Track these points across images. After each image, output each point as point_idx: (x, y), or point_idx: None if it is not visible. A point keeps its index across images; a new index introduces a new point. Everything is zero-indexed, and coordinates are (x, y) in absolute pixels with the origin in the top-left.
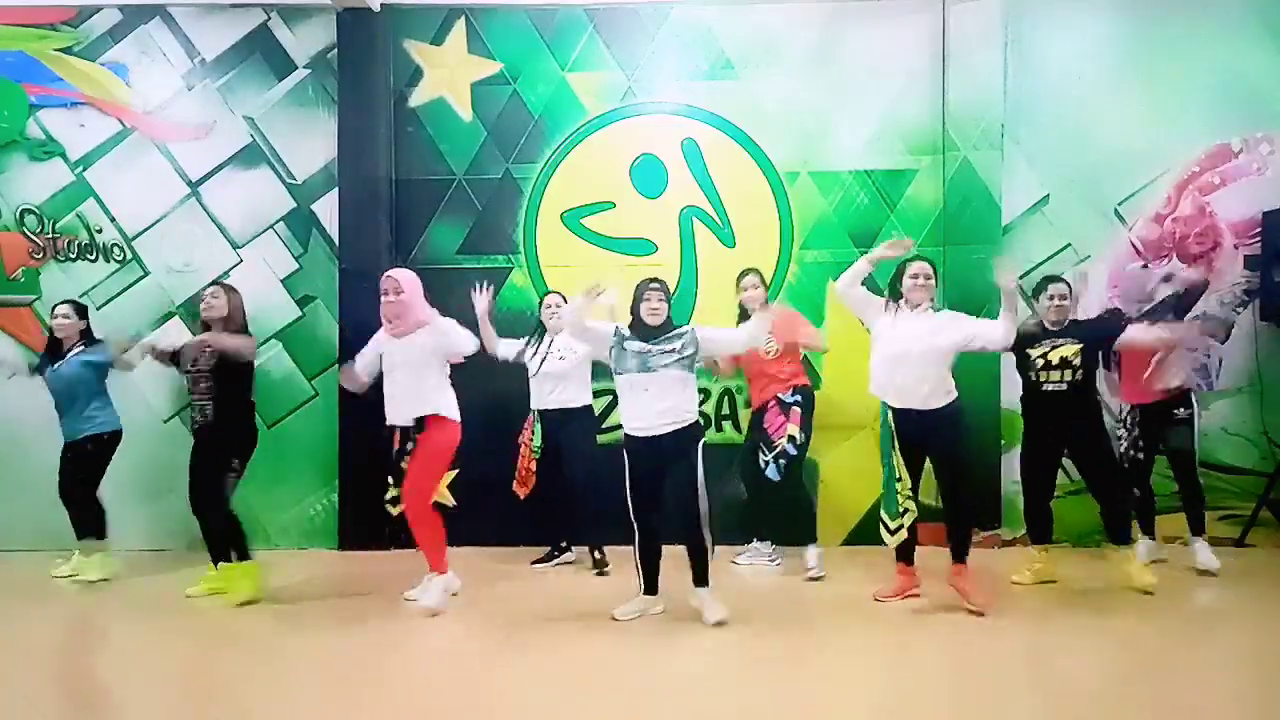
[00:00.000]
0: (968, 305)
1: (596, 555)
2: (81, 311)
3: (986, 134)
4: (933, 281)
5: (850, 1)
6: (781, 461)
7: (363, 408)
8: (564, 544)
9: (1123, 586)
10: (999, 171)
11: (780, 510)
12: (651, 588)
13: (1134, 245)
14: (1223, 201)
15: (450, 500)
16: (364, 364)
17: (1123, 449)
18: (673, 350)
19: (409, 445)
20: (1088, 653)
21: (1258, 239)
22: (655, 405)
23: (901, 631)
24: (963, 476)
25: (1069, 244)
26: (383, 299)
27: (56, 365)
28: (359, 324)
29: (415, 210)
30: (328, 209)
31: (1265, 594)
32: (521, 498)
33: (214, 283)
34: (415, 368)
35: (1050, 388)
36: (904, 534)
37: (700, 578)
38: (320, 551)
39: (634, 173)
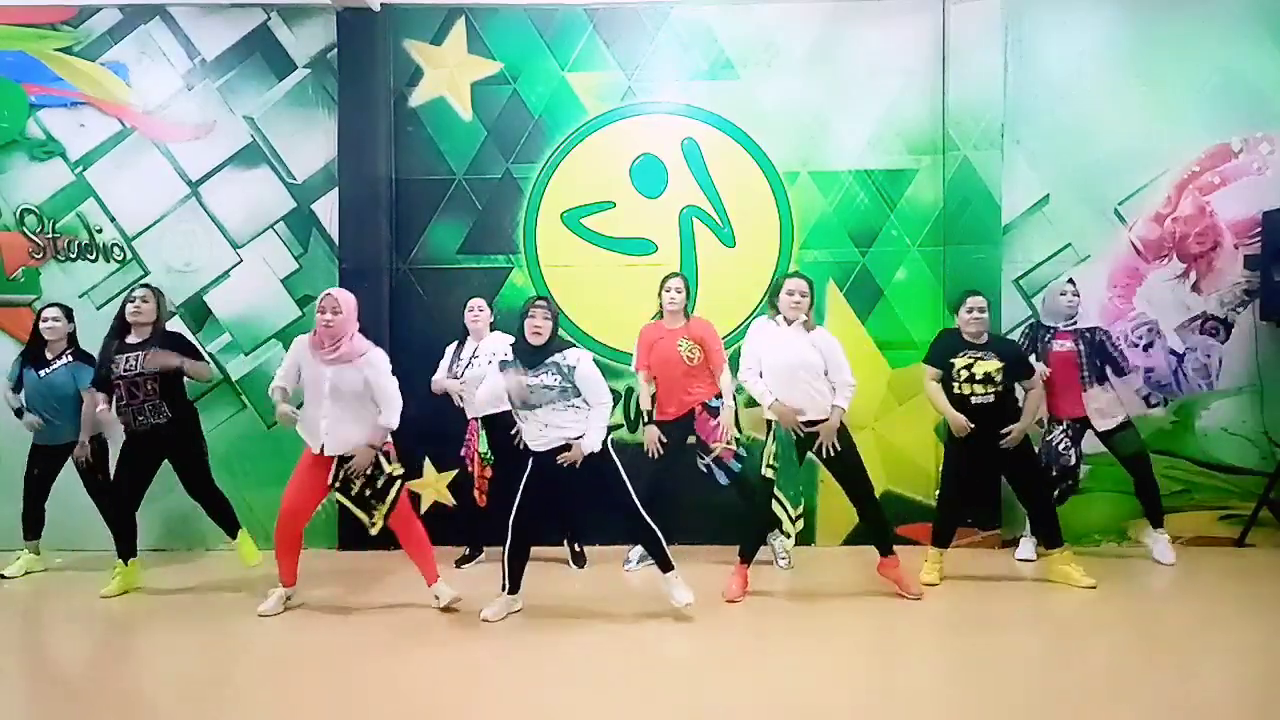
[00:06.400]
0: None
1: (576, 549)
2: (69, 315)
3: (986, 134)
4: (807, 300)
5: (850, 1)
6: (737, 466)
7: None
8: (481, 546)
9: (1062, 584)
10: (999, 171)
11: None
12: (515, 587)
13: (1134, 245)
14: (1223, 201)
15: (450, 500)
16: (289, 379)
17: (1062, 459)
18: (551, 387)
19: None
20: (1084, 652)
21: (1258, 239)
22: (538, 425)
23: (908, 628)
24: (865, 474)
25: (1069, 244)
26: (319, 318)
27: (44, 371)
28: (359, 323)
29: (415, 210)
30: (328, 209)
31: (1265, 594)
32: (482, 505)
33: (143, 285)
34: (350, 402)
35: (977, 400)
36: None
37: (664, 565)
38: (320, 551)
39: (634, 173)
